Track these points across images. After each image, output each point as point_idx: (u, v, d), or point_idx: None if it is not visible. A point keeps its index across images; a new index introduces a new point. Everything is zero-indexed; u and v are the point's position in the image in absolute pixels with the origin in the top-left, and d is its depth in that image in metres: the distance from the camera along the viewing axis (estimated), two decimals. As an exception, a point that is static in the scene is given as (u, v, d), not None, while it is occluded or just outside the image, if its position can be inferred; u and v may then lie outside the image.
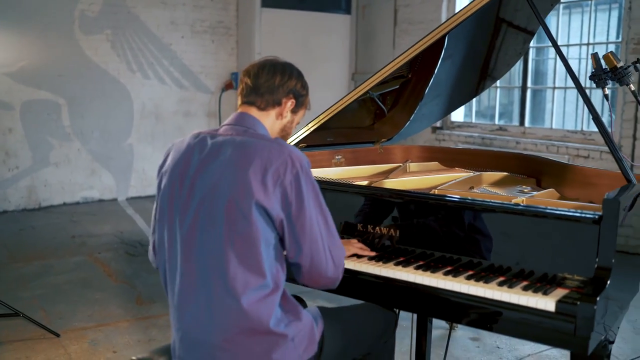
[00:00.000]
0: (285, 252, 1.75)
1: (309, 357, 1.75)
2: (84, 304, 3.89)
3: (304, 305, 2.04)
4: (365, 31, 7.98)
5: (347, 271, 2.07)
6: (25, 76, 6.53)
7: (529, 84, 6.52)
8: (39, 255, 4.97)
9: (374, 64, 7.68)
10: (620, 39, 5.65)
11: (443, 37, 2.42)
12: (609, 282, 1.70)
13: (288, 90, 1.84)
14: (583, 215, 1.80)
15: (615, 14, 6.77)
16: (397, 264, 2.03)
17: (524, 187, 2.61)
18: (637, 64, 2.67)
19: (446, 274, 1.93)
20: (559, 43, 6.76)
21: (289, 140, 2.78)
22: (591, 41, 6.11)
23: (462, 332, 3.54)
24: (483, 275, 1.91)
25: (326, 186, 2.37)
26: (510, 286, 1.81)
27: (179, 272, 1.72)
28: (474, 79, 3.18)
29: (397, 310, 2.17)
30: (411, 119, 3.09)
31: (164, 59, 7.41)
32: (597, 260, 1.74)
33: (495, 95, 7.12)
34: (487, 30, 2.81)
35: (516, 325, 1.77)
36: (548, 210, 1.88)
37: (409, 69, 2.85)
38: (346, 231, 2.27)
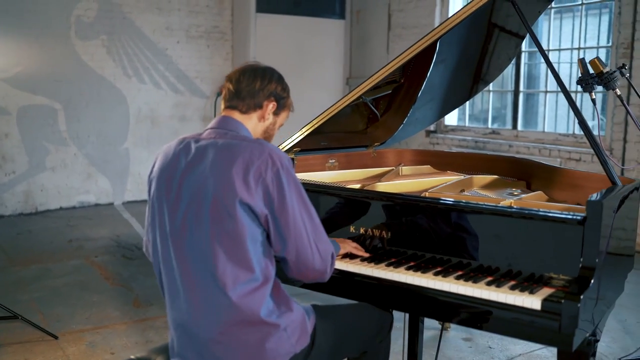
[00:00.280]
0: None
1: (302, 348, 1.80)
2: (81, 307, 3.93)
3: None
4: (360, 36, 8.05)
5: (340, 272, 2.13)
6: (22, 81, 6.57)
7: (521, 87, 6.60)
8: (37, 259, 5.01)
9: (368, 68, 7.75)
10: (610, 44, 5.73)
11: (435, 42, 2.47)
12: (593, 281, 1.76)
13: (269, 93, 1.91)
14: (568, 216, 1.86)
15: (605, 18, 6.85)
16: (388, 265, 2.08)
17: (513, 189, 2.67)
18: (623, 69, 2.74)
19: (436, 274, 1.98)
20: (550, 47, 6.85)
21: (284, 144, 2.84)
22: (582, 45, 6.19)
23: (455, 333, 3.60)
24: (472, 275, 1.96)
25: (319, 189, 2.43)
26: (498, 286, 1.87)
27: (173, 272, 1.79)
28: (467, 82, 3.24)
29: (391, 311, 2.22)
30: (404, 122, 3.15)
31: (159, 63, 7.46)
32: (581, 260, 1.80)
33: (488, 99, 7.19)
34: (479, 35, 2.87)
35: (504, 323, 1.82)
36: (535, 212, 1.94)
37: (401, 73, 2.91)
38: (339, 234, 2.32)
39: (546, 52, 2.65)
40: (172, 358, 1.83)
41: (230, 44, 7.88)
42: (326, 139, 3.12)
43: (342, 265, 2.12)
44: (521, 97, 6.63)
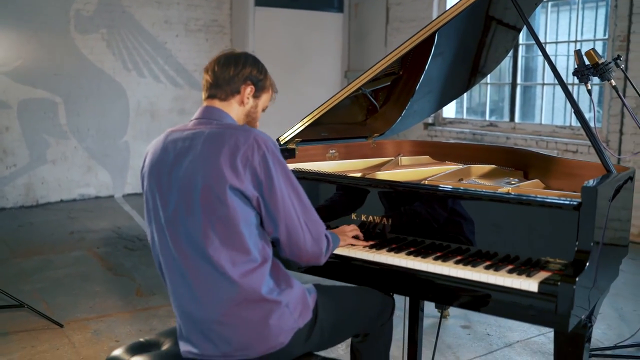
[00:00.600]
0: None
1: (305, 322, 1.85)
2: (84, 297, 3.99)
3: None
4: (358, 29, 8.09)
5: (342, 257, 2.18)
6: (22, 75, 6.60)
7: (518, 80, 6.65)
8: (39, 250, 5.05)
9: (366, 61, 7.79)
10: (607, 36, 5.78)
11: (433, 35, 2.52)
12: (588, 264, 1.81)
13: (244, 78, 1.94)
14: (564, 202, 1.91)
15: (602, 11, 6.90)
16: (389, 251, 2.14)
17: (511, 178, 2.72)
18: (618, 61, 2.79)
19: (436, 259, 2.04)
20: (547, 40, 6.88)
21: (285, 134, 2.88)
22: (579, 38, 6.24)
23: (453, 321, 3.66)
24: (471, 260, 2.02)
25: (322, 178, 2.48)
26: (496, 269, 1.92)
27: (172, 262, 1.83)
28: (465, 75, 3.28)
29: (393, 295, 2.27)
30: (402, 114, 3.20)
31: (158, 57, 7.49)
32: (577, 243, 1.86)
33: (486, 91, 7.24)
34: (477, 28, 2.91)
35: (502, 306, 1.88)
36: (532, 198, 2.00)
37: (400, 65, 2.95)
38: (341, 221, 2.37)
39: (543, 44, 2.69)
40: (180, 341, 1.88)
41: (229, 37, 7.91)
42: (326, 130, 3.16)
43: (343, 251, 2.18)
44: (518, 89, 6.68)
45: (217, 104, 1.95)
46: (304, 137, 3.00)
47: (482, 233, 2.06)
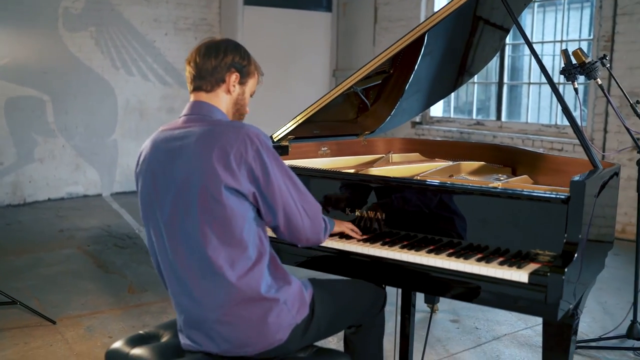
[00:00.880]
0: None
1: (302, 318, 1.89)
2: (76, 294, 4.00)
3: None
4: (346, 28, 8.14)
5: (337, 251, 2.23)
6: (9, 73, 6.58)
7: (505, 80, 6.74)
8: (29, 248, 5.05)
9: (354, 60, 7.85)
10: (592, 36, 5.88)
11: (424, 35, 2.57)
12: (576, 255, 1.87)
13: (227, 66, 1.92)
14: (552, 195, 1.97)
15: (587, 12, 7.01)
16: (383, 244, 2.19)
17: (500, 175, 2.78)
18: (603, 60, 2.87)
19: (429, 252, 2.09)
20: (533, 40, 6.97)
21: (278, 132, 2.92)
22: (564, 38, 6.34)
23: (443, 315, 3.72)
24: (463, 252, 2.07)
25: (317, 174, 2.52)
26: (488, 262, 1.98)
27: (170, 262, 1.85)
28: (453, 74, 3.34)
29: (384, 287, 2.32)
30: (392, 113, 3.25)
31: (147, 55, 7.49)
32: (565, 236, 1.92)
33: (473, 91, 7.32)
34: (465, 28, 2.96)
35: (493, 297, 1.94)
36: (521, 192, 2.06)
37: (391, 64, 3.00)
38: (335, 216, 2.42)
39: (532, 44, 2.75)
40: (180, 333, 1.91)
41: (218, 36, 7.92)
42: (319, 128, 3.21)
43: (339, 244, 2.22)
44: (505, 89, 6.77)
45: (203, 97, 1.93)
46: (297, 134, 3.05)
47: (474, 227, 2.12)
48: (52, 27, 6.79)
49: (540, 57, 2.71)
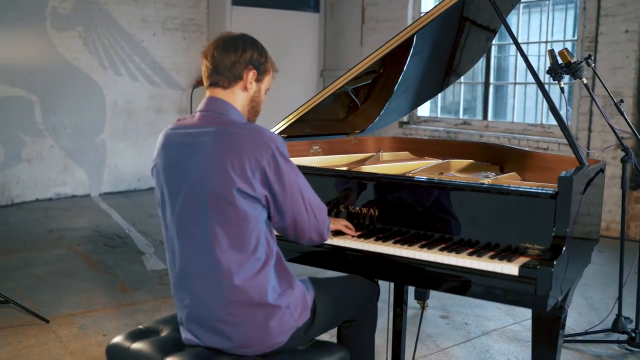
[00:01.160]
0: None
1: (304, 321, 1.92)
2: (69, 293, 4.01)
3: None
4: (334, 29, 8.19)
5: (332, 247, 2.27)
6: (-3, 73, 6.56)
7: (491, 80, 6.82)
8: (19, 249, 5.04)
9: (342, 61, 7.90)
10: (576, 37, 5.98)
11: (413, 35, 2.62)
12: (564, 248, 1.94)
13: (245, 62, 1.90)
14: (541, 191, 2.04)
15: (571, 13, 7.12)
16: (377, 240, 2.24)
17: (488, 172, 2.84)
18: (589, 60, 2.94)
19: (422, 247, 2.15)
20: (519, 41, 7.08)
21: (271, 130, 2.96)
22: (549, 39, 6.44)
23: (432, 311, 3.78)
24: (455, 247, 2.13)
25: (311, 172, 2.57)
26: (479, 256, 2.03)
27: (178, 257, 1.87)
28: (440, 75, 3.40)
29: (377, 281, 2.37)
30: (381, 113, 3.30)
31: (135, 55, 7.50)
32: (554, 230, 1.98)
33: (459, 91, 7.40)
34: (452, 29, 3.02)
35: (484, 289, 1.99)
36: (511, 188, 2.12)
37: (381, 64, 3.05)
38: (329, 213, 2.46)
39: (520, 45, 2.81)
40: (181, 327, 1.93)
41: (206, 36, 7.95)
42: (310, 127, 3.25)
43: (333, 241, 2.27)
44: (491, 88, 6.86)
45: (220, 93, 1.91)
46: (289, 133, 3.09)
47: (465, 222, 2.18)
48: (40, 27, 6.77)
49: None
